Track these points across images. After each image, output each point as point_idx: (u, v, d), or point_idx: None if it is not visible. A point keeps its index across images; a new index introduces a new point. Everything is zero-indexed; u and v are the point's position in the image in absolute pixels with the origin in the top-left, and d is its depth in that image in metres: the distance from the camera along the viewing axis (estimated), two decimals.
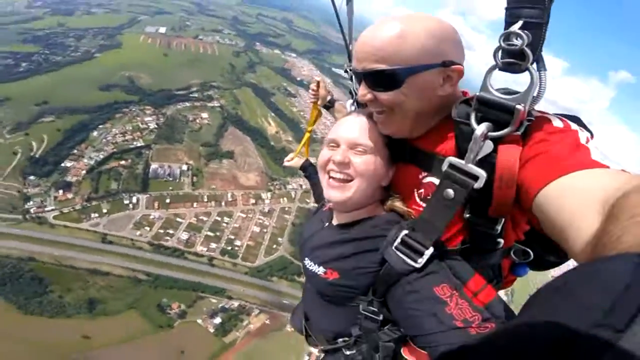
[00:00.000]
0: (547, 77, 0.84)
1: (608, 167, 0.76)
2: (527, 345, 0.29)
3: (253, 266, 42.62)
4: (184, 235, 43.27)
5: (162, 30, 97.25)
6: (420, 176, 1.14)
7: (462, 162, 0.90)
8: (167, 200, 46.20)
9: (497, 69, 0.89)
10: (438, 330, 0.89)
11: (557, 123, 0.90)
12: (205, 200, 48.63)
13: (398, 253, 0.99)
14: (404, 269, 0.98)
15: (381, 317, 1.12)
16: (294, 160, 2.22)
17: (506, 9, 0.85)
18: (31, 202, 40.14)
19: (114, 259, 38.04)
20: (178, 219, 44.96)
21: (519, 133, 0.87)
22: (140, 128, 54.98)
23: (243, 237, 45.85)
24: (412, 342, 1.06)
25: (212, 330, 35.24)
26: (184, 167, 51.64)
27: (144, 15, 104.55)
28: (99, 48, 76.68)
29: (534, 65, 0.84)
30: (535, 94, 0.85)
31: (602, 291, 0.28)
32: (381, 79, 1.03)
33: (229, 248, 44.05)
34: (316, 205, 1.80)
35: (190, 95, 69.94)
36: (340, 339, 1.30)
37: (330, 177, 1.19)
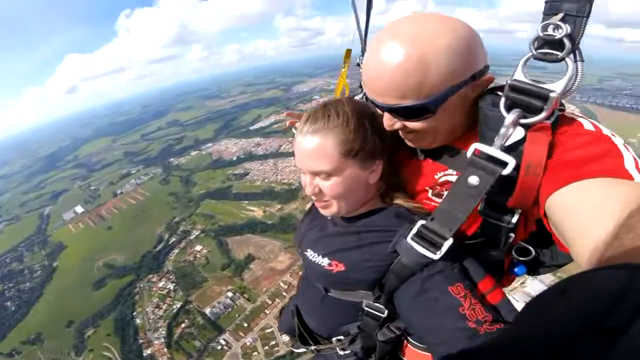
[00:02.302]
0: (583, 69, 0.84)
1: (633, 178, 0.75)
2: (528, 348, 0.32)
3: None
4: (285, 337, 50.60)
5: (79, 209, 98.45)
6: (437, 176, 1.16)
7: (490, 148, 0.89)
8: (245, 324, 52.71)
9: (533, 58, 0.89)
10: (450, 330, 0.91)
11: (589, 126, 0.90)
12: (270, 302, 55.94)
13: (413, 244, 0.98)
14: (419, 262, 0.98)
15: (385, 314, 1.15)
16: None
17: (546, 1, 0.87)
18: None
19: None
20: (267, 331, 51.77)
21: (550, 121, 0.87)
22: (164, 295, 59.85)
23: None
24: (414, 341, 1.16)
25: None
26: (229, 294, 58.36)
27: (45, 208, 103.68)
28: (48, 259, 76.93)
29: (571, 56, 0.84)
30: (569, 85, 0.85)
31: (601, 296, 0.30)
32: (410, 113, 0.98)
33: None
34: None
35: (170, 243, 74.97)
36: (335, 338, 1.34)
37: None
